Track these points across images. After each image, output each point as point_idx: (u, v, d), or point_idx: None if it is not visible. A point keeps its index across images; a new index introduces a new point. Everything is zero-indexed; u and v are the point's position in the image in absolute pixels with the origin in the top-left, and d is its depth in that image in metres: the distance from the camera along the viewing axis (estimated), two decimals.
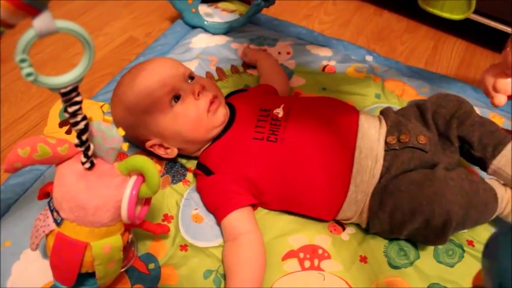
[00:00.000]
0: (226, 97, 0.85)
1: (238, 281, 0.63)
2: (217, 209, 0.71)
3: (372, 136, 0.71)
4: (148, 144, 0.76)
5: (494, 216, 0.70)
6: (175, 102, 0.73)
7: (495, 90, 0.68)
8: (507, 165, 0.69)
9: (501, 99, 0.68)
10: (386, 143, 0.70)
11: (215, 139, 0.76)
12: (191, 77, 0.78)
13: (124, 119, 0.75)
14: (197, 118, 0.73)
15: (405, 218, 0.65)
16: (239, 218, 0.69)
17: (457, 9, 0.79)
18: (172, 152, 0.77)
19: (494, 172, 0.71)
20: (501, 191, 0.69)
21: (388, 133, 0.71)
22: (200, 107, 0.73)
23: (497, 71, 0.67)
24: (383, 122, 0.74)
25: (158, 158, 0.80)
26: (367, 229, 0.73)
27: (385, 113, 0.77)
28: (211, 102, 0.74)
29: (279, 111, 0.75)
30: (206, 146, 0.77)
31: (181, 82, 0.75)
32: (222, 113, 0.75)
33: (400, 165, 0.67)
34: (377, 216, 0.68)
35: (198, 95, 0.73)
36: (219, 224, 0.72)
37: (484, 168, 0.72)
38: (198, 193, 0.77)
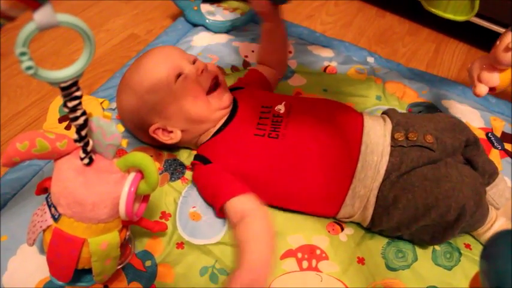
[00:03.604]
0: None
1: (253, 255, 0.61)
2: (217, 195, 0.69)
3: (377, 132, 0.71)
4: (152, 128, 0.76)
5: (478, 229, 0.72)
6: (179, 78, 0.75)
7: (479, 80, 0.71)
8: (496, 193, 0.74)
9: (482, 89, 0.72)
10: (393, 138, 0.70)
11: (215, 133, 0.76)
12: (194, 61, 0.79)
13: (128, 103, 0.76)
14: (199, 93, 0.74)
15: (418, 213, 0.66)
16: (241, 201, 0.68)
17: (461, 10, 0.78)
18: (176, 136, 0.76)
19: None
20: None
21: (395, 130, 0.71)
22: (202, 83, 0.75)
23: (485, 63, 0.71)
24: (387, 120, 0.74)
25: (157, 155, 0.80)
26: (369, 227, 0.72)
27: (389, 112, 0.77)
28: (213, 81, 0.76)
29: (281, 108, 0.76)
30: (206, 140, 0.77)
31: (186, 63, 0.77)
32: (227, 97, 0.78)
33: (409, 163, 0.67)
34: (387, 213, 0.68)
35: (202, 72, 0.75)
36: (218, 213, 0.71)
37: None
38: (194, 185, 0.76)
